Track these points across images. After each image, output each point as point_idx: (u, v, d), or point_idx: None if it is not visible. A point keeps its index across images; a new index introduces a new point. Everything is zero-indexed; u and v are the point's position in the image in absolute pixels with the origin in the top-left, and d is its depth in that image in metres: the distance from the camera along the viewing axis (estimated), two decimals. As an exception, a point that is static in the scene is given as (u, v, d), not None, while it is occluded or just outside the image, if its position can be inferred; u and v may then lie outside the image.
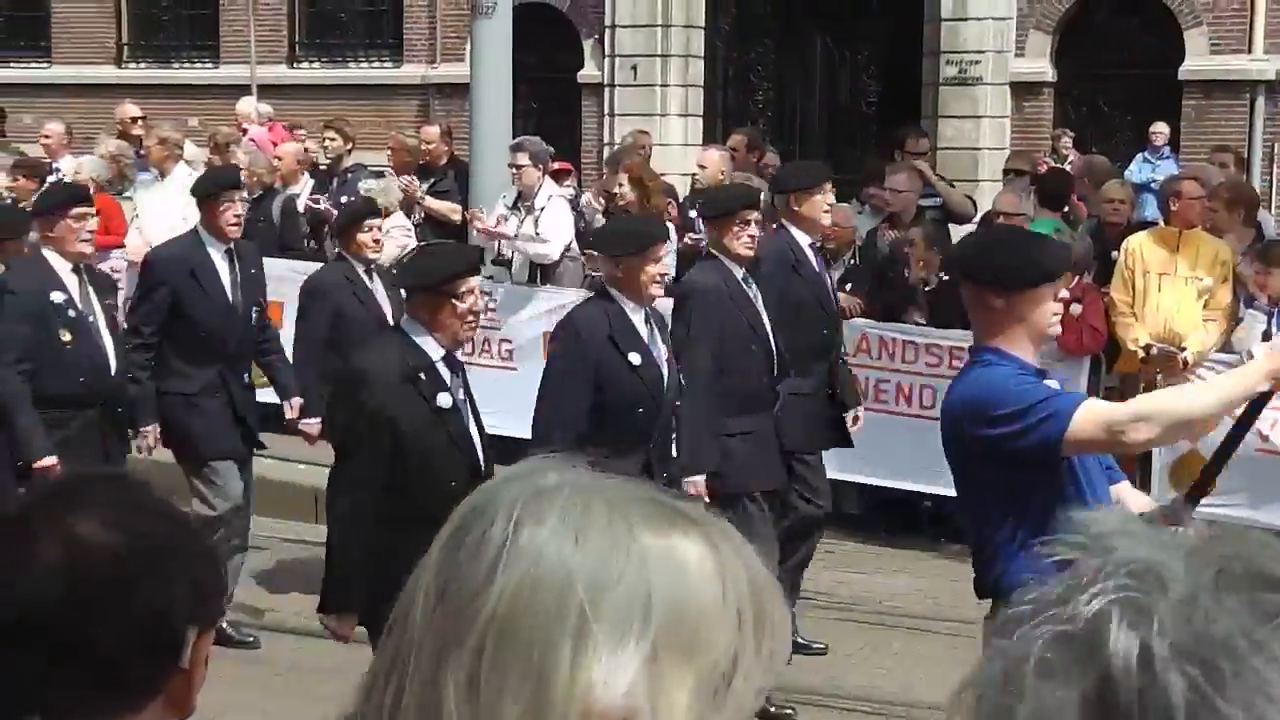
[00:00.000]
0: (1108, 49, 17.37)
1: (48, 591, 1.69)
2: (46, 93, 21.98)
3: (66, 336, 7.28)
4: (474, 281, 5.90)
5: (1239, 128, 16.51)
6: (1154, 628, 0.91)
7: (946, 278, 10.22)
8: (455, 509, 1.21)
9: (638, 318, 6.62)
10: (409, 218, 12.11)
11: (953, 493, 10.01)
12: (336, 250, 8.88)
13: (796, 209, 7.77)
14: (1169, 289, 9.41)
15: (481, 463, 5.81)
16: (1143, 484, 9.48)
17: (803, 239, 7.83)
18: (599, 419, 6.45)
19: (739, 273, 7.28)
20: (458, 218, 12.31)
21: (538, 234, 10.91)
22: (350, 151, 13.17)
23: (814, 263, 7.90)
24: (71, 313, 7.36)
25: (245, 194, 9.12)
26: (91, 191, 10.14)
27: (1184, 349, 9.26)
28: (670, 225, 10.91)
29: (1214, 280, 9.36)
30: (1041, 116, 17.70)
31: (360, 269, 8.51)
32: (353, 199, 11.97)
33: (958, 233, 11.08)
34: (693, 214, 11.28)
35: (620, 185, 10.76)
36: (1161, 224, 10.03)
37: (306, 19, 22.02)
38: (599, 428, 6.39)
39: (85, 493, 1.80)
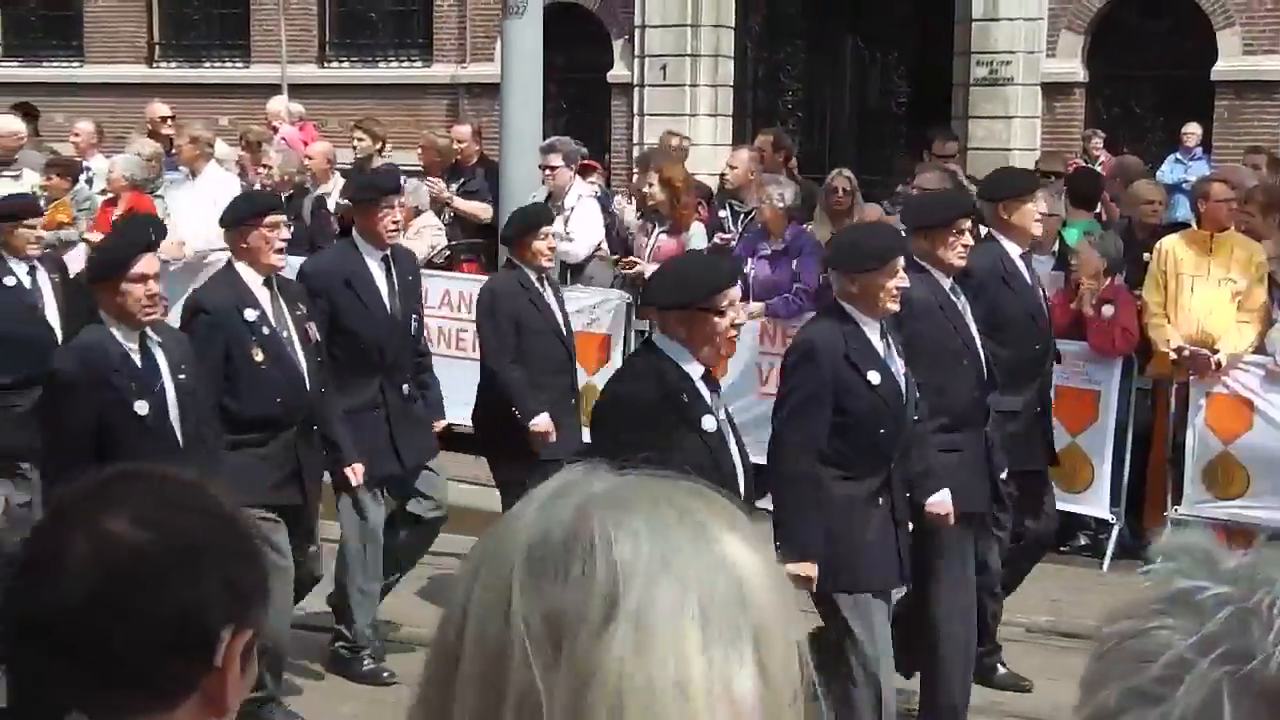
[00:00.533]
0: (1139, 49, 17.30)
1: (76, 589, 1.69)
2: (78, 92, 22.10)
3: (259, 356, 6.85)
4: (734, 293, 5.54)
5: (1271, 128, 16.41)
6: None
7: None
8: (504, 533, 1.15)
9: (874, 334, 6.18)
10: (439, 217, 12.14)
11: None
12: (507, 258, 8.54)
13: (1006, 217, 7.45)
14: (1201, 290, 9.36)
15: (742, 489, 5.49)
16: (1175, 488, 9.45)
17: (1013, 249, 7.51)
18: (841, 441, 6.08)
19: (947, 284, 6.89)
20: (487, 217, 12.33)
21: (567, 234, 10.91)
22: (380, 151, 13.19)
23: (1025, 274, 7.61)
24: (265, 330, 6.92)
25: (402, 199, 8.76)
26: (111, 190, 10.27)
27: (1217, 351, 9.21)
28: (700, 225, 10.93)
29: (1248, 282, 9.31)
30: (1073, 117, 17.63)
31: (534, 276, 8.10)
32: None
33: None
34: (723, 214, 11.28)
35: (650, 185, 10.76)
36: (1194, 225, 9.98)
37: (337, 18, 22.08)
38: (841, 450, 6.08)
39: (121, 489, 1.80)
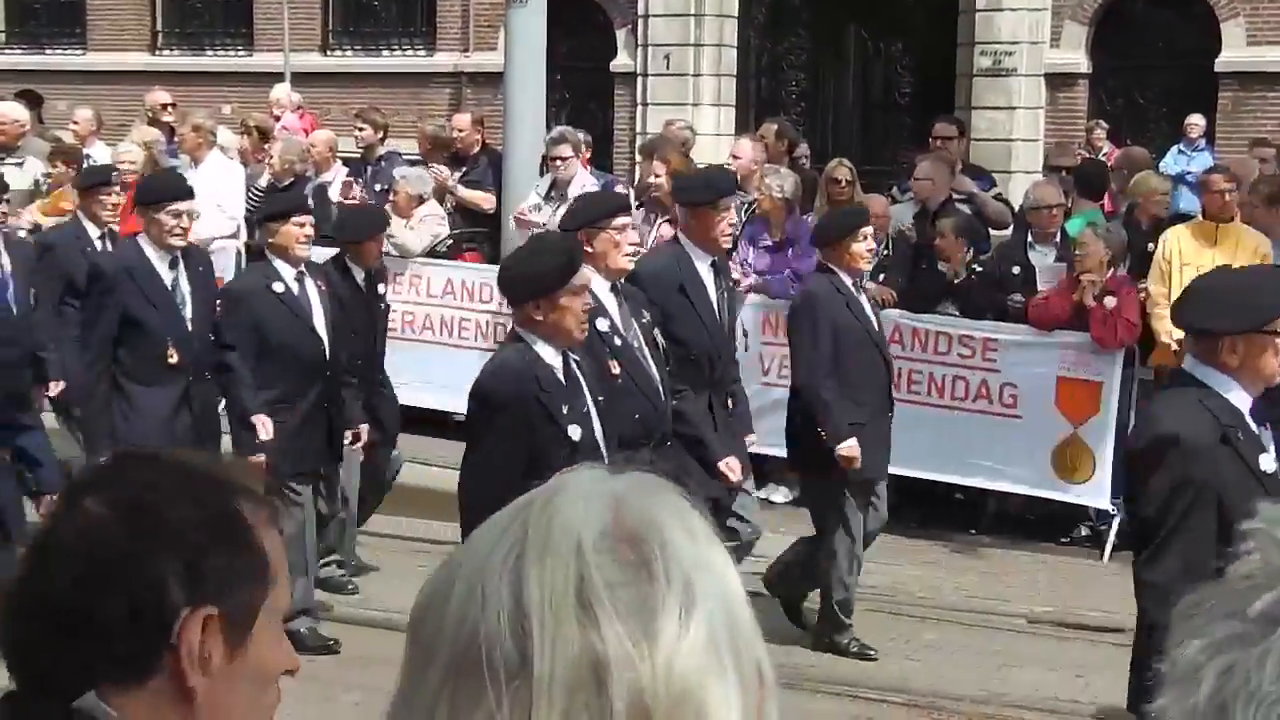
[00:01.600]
0: (1143, 40, 17.28)
1: (66, 570, 1.73)
2: (82, 79, 22.07)
3: (615, 369, 6.43)
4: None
5: (1276, 119, 16.40)
6: None
7: (980, 270, 10.20)
8: (550, 527, 1.12)
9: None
10: (441, 206, 12.14)
11: (984, 483, 10.03)
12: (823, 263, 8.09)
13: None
14: (1204, 282, 9.34)
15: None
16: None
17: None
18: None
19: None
20: (490, 206, 12.33)
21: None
22: (383, 140, 13.18)
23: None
24: (617, 340, 6.52)
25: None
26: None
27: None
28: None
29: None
30: (1076, 108, 17.61)
31: (849, 281, 7.87)
32: (387, 187, 12.04)
33: (998, 238, 11.02)
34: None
35: (656, 175, 10.74)
36: (1199, 217, 9.98)
37: (340, 7, 22.06)
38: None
39: (114, 472, 1.84)
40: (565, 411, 5.56)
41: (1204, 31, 16.87)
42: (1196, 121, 15.79)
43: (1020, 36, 17.45)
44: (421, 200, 11.73)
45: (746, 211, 10.99)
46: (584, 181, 11.28)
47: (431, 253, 11.83)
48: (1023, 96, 17.48)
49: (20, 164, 11.98)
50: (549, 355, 5.58)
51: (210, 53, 22.91)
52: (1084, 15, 17.54)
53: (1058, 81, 17.67)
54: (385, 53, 21.68)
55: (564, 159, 11.14)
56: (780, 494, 10.39)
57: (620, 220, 6.59)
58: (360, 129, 13.16)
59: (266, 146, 12.92)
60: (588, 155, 12.46)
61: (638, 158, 14.22)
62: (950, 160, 11.64)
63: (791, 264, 10.26)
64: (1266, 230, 9.70)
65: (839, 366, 7.69)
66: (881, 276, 10.20)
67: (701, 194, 7.47)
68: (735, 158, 11.42)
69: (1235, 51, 16.76)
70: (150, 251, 7.75)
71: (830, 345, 7.68)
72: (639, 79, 19.22)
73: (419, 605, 1.16)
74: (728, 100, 19.15)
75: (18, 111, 12.77)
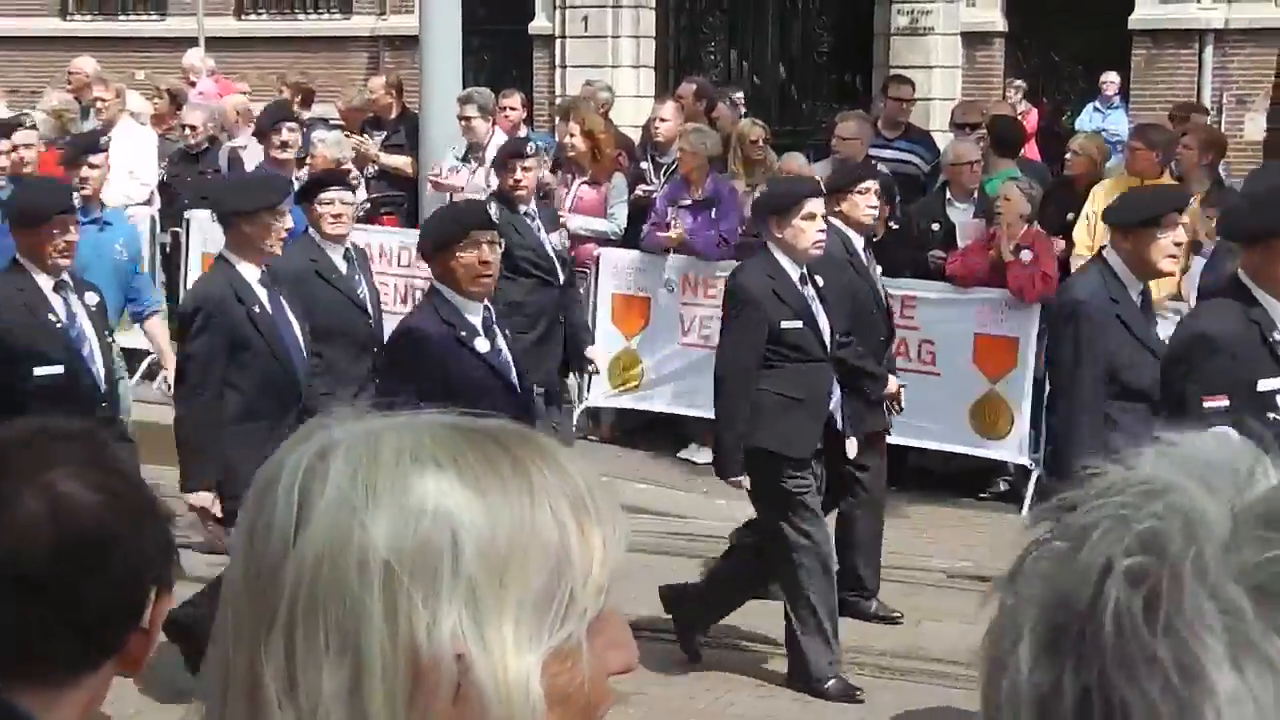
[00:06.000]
0: (1059, -1, 17.39)
1: (35, 544, 1.70)
2: (-9, 46, 21.71)
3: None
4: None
5: (1189, 76, 16.56)
6: (1124, 544, 0.88)
7: (896, 228, 10.23)
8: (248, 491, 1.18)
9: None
10: (363, 172, 12.05)
11: (903, 440, 9.99)
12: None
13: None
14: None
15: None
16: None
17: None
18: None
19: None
20: (410, 170, 12.26)
21: (488, 185, 10.86)
22: (304, 103, 13.09)
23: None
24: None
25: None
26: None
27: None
28: (621, 176, 10.90)
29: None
30: (993, 66, 17.70)
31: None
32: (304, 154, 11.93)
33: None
34: (644, 165, 11.26)
35: (571, 136, 10.70)
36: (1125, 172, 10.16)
37: (254, -30, 21.79)
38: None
39: (58, 449, 1.81)
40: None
41: (1119, -11, 16.99)
42: (1111, 79, 15.94)
43: (937, -5, 17.50)
44: (339, 164, 11.62)
45: (666, 172, 11.00)
46: (499, 141, 11.22)
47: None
48: (940, 55, 17.55)
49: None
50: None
51: (123, 18, 22.57)
52: (1000, -26, 17.61)
53: (974, 40, 17.74)
54: (301, 16, 21.45)
55: (467, 118, 11.09)
56: (703, 455, 10.41)
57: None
58: (280, 91, 13.06)
59: (180, 112, 12.77)
60: (523, 116, 12.42)
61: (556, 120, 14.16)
62: (872, 120, 11.70)
63: (718, 225, 10.26)
64: (1190, 175, 9.85)
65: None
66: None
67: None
68: (663, 120, 11.36)
69: (1148, 9, 16.88)
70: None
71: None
72: (557, 41, 19.12)
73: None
74: (647, 62, 19.09)
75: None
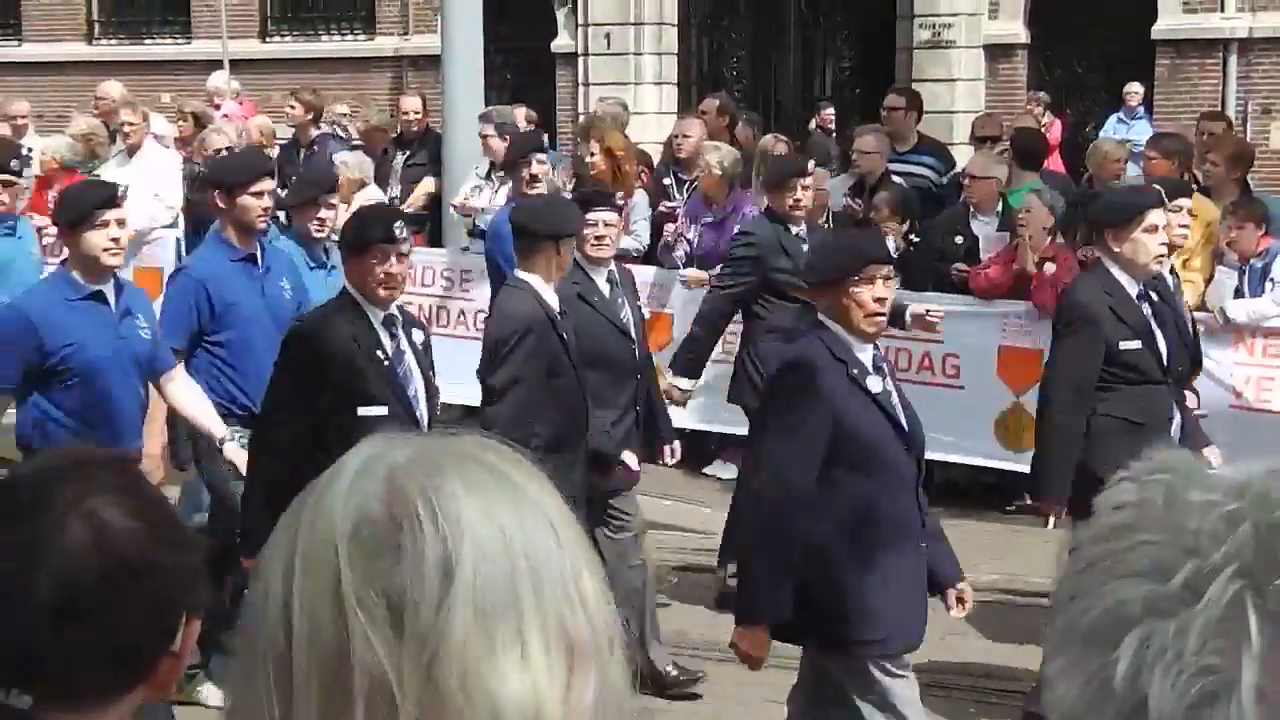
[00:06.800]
0: (1081, 10, 17.34)
1: (82, 570, 1.74)
2: (18, 71, 21.85)
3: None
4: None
5: (1213, 85, 16.51)
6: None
7: (917, 241, 10.22)
8: (314, 519, 1.11)
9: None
10: (385, 191, 12.09)
11: (928, 454, 9.98)
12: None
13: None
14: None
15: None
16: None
17: None
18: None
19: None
20: (434, 189, 12.32)
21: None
22: (315, 121, 13.13)
23: None
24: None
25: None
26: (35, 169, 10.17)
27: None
28: (643, 193, 10.90)
29: (1196, 241, 9.35)
30: (1016, 78, 17.68)
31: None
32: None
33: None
34: (666, 182, 11.26)
35: (592, 154, 10.71)
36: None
37: (278, -7, 21.93)
38: None
39: (96, 478, 1.84)
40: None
41: (1140, 0, 16.96)
42: (1135, 90, 15.90)
43: (959, 9, 17.50)
44: (363, 185, 11.67)
45: (688, 188, 10.99)
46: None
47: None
48: (962, 68, 17.54)
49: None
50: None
51: (148, 41, 22.72)
52: (1021, -14, 17.61)
53: (997, 53, 17.73)
54: (325, 37, 21.57)
55: (485, 137, 11.13)
56: (728, 471, 10.40)
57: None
58: (291, 108, 13.10)
59: (202, 135, 12.82)
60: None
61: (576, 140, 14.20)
62: (889, 133, 11.66)
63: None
64: (1220, 189, 9.79)
65: None
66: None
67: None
68: (685, 136, 11.36)
69: (1171, 19, 16.85)
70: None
71: None
72: (580, 59, 19.18)
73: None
74: (669, 78, 19.13)
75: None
